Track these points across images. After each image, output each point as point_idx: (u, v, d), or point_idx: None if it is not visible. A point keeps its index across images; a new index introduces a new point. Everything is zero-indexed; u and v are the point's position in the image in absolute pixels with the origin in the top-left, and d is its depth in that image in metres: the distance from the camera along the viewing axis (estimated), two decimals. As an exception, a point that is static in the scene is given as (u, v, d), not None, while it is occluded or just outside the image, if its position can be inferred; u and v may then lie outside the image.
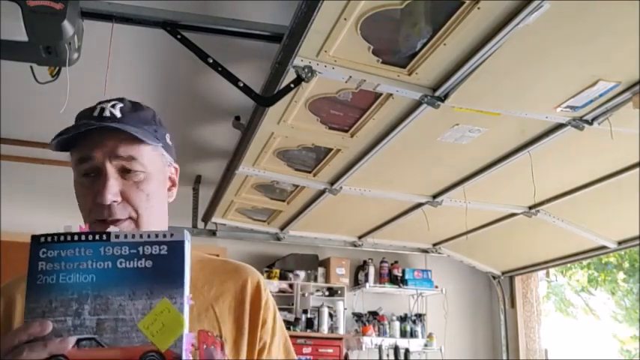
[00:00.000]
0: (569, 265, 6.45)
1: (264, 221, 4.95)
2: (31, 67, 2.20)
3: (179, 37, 2.24)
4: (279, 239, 5.18)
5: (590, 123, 2.66)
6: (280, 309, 1.14)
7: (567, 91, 2.45)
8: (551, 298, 7.52)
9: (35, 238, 0.78)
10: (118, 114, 0.99)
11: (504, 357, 5.60)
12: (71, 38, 1.96)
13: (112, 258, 0.77)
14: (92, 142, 0.97)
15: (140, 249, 0.77)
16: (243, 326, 1.04)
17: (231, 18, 2.29)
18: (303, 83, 2.36)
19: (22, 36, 1.90)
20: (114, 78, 2.40)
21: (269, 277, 5.20)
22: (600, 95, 2.45)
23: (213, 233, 4.97)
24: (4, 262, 4.33)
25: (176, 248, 0.78)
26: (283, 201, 4.30)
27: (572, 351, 6.59)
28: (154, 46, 2.61)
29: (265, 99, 2.46)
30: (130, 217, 0.96)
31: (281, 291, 5.24)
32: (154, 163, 1.01)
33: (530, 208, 4.02)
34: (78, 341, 0.74)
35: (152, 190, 0.99)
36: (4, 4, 1.84)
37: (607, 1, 1.88)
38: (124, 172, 0.97)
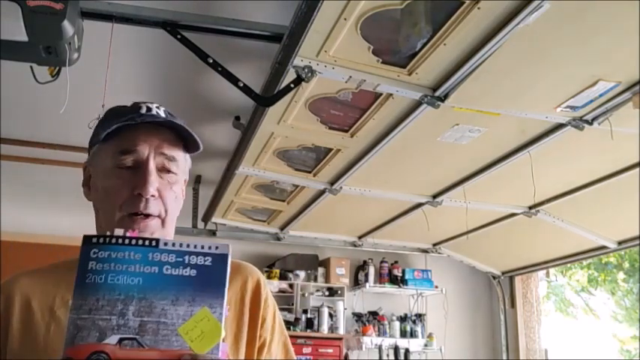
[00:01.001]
0: (569, 265, 6.45)
1: (264, 221, 4.95)
2: (31, 67, 2.20)
3: (179, 37, 2.24)
4: (279, 239, 5.19)
5: (590, 123, 2.66)
6: (280, 309, 1.15)
7: (567, 91, 2.45)
8: (551, 298, 7.52)
9: (87, 238, 0.81)
10: (163, 114, 1.03)
11: (504, 357, 5.60)
12: (71, 38, 1.96)
13: (158, 264, 0.80)
14: (139, 136, 0.99)
15: (186, 258, 0.81)
16: (243, 324, 1.05)
17: (231, 18, 2.29)
18: (303, 83, 2.36)
19: (22, 36, 1.90)
20: (114, 78, 2.40)
21: (269, 277, 5.20)
22: (600, 95, 2.45)
23: (213, 233, 4.97)
24: (4, 262, 4.33)
25: (220, 261, 0.81)
26: (283, 201, 4.30)
27: (572, 351, 6.59)
28: (153, 46, 2.61)
29: (265, 99, 2.46)
30: (159, 215, 1.00)
31: (281, 291, 5.24)
32: (183, 169, 1.04)
33: (530, 208, 4.02)
34: (120, 340, 0.77)
35: (179, 194, 1.03)
36: (4, 4, 1.84)
37: (607, 1, 1.88)
38: (162, 171, 1.00)
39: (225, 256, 0.81)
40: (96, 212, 1.04)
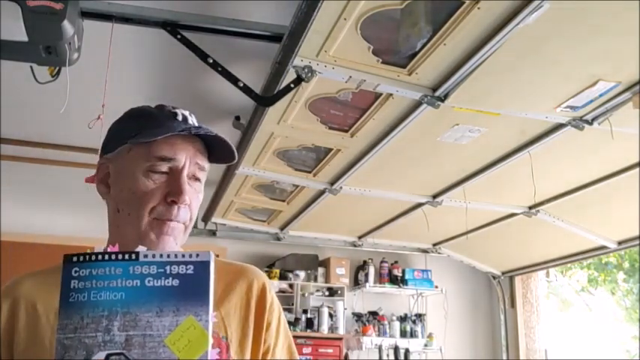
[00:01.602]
0: (569, 265, 6.45)
1: (264, 221, 4.95)
2: (31, 67, 2.20)
3: (179, 37, 2.24)
4: (279, 239, 5.19)
5: (590, 123, 2.66)
6: (280, 309, 1.15)
7: (567, 91, 2.45)
8: (551, 298, 7.52)
9: (67, 258, 0.81)
10: (197, 123, 1.04)
11: (504, 357, 5.60)
12: (71, 38, 1.96)
13: (140, 276, 0.80)
14: (178, 143, 0.99)
15: (167, 268, 0.80)
16: (249, 328, 1.05)
17: (231, 18, 2.29)
18: (303, 83, 2.36)
19: (22, 36, 1.90)
20: (114, 78, 2.40)
21: (269, 277, 5.20)
22: (600, 95, 2.45)
23: (213, 233, 4.97)
24: (4, 262, 4.33)
25: (202, 268, 0.81)
26: (283, 201, 4.30)
27: (572, 351, 6.59)
28: (153, 46, 2.61)
29: (265, 99, 2.46)
30: (184, 222, 1.00)
31: (281, 291, 5.24)
32: (205, 177, 1.06)
33: (530, 208, 4.02)
34: (107, 356, 0.77)
35: (201, 201, 1.05)
36: (4, 4, 1.84)
37: (607, 0, 1.88)
38: (191, 179, 1.01)
39: (207, 263, 0.81)
40: (114, 212, 1.02)
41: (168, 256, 0.81)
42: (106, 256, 0.80)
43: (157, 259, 0.81)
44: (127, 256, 0.81)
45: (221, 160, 1.06)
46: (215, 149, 1.04)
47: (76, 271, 0.79)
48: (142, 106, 1.08)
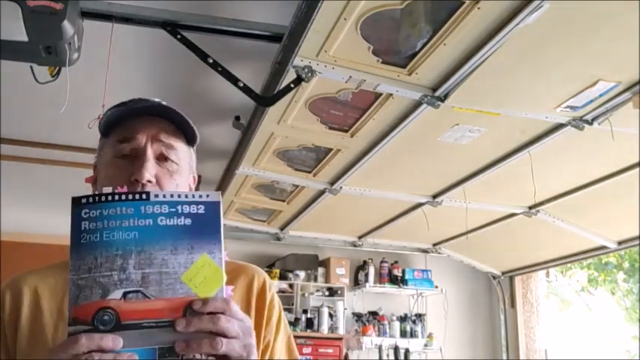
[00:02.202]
0: (569, 265, 6.45)
1: (264, 221, 4.95)
2: (31, 67, 2.20)
3: (179, 37, 2.24)
4: (279, 239, 5.19)
5: (590, 123, 2.66)
6: (280, 309, 1.15)
7: (567, 91, 2.45)
8: (551, 298, 7.52)
9: (76, 200, 0.80)
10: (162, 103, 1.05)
11: (504, 357, 5.60)
12: (71, 38, 1.96)
13: (152, 216, 0.80)
14: (136, 124, 1.00)
15: (179, 207, 0.81)
16: None
17: (231, 18, 2.29)
18: (303, 83, 2.36)
19: (22, 36, 1.90)
20: (114, 78, 2.40)
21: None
22: (600, 95, 2.46)
23: (213, 233, 4.97)
24: (4, 262, 4.33)
25: (212, 208, 0.82)
26: (283, 201, 4.30)
27: (572, 351, 6.59)
28: (154, 46, 2.61)
29: (265, 99, 2.46)
30: None
31: (281, 291, 5.24)
32: (185, 160, 1.04)
33: (530, 208, 4.02)
34: (124, 294, 0.77)
35: (181, 184, 1.03)
36: (4, 4, 1.83)
37: (607, 1, 1.88)
38: (161, 159, 1.00)
39: (217, 203, 0.82)
40: None
41: (179, 196, 0.81)
42: (117, 197, 0.80)
43: (168, 198, 0.81)
44: (137, 197, 0.81)
45: (191, 139, 1.05)
46: (186, 130, 1.04)
47: (86, 213, 0.79)
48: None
